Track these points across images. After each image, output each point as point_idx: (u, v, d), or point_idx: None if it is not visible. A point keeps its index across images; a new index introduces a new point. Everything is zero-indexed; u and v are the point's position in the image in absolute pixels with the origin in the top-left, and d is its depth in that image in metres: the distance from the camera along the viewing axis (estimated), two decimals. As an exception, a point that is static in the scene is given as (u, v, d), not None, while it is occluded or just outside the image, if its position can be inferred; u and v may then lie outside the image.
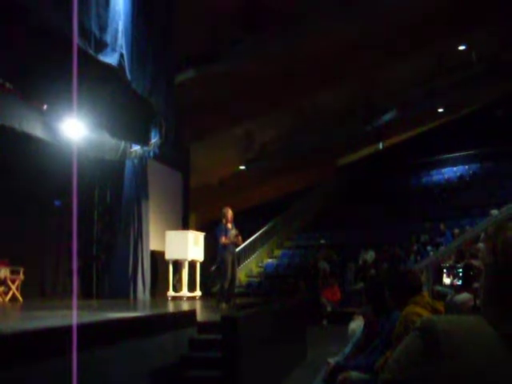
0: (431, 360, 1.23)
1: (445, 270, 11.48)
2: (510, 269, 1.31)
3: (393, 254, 19.34)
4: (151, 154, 12.84)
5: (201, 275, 13.69)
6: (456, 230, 18.36)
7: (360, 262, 19.25)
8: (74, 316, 5.86)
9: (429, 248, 19.08)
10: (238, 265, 20.32)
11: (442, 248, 17.14)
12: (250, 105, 16.64)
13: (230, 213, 10.58)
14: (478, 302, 7.12)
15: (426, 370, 1.23)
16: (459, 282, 10.34)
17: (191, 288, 13.22)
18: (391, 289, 4.22)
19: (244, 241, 22.11)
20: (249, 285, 21.49)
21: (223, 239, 10.32)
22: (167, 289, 13.09)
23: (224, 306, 10.12)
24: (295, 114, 19.89)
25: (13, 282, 10.93)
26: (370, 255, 19.21)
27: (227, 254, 10.31)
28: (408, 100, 21.10)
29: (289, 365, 9.70)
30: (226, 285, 10.29)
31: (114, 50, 9.05)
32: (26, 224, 11.62)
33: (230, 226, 10.50)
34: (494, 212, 17.51)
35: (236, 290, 12.46)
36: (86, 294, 13.11)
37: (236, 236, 10.54)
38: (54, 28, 7.79)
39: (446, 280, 11.24)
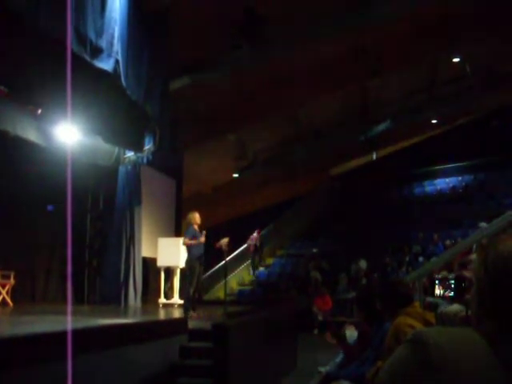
0: (422, 373, 1.23)
1: (437, 282, 11.50)
2: (503, 283, 1.31)
3: (384, 264, 19.38)
4: (145, 160, 12.85)
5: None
6: (448, 242, 18.42)
7: (352, 272, 19.26)
8: (66, 322, 5.84)
9: (420, 259, 19.13)
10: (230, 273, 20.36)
11: (434, 259, 17.17)
12: (244, 113, 16.66)
13: (197, 216, 10.51)
14: (469, 313, 7.13)
15: (416, 381, 1.23)
16: (451, 294, 10.35)
17: (182, 295, 13.18)
18: (382, 299, 4.22)
19: (236, 248, 22.17)
20: (240, 293, 21.47)
21: (186, 240, 10.20)
22: (158, 296, 13.04)
23: (193, 313, 10.00)
24: (289, 122, 19.93)
25: (3, 286, 10.88)
26: (361, 264, 19.23)
27: (193, 258, 10.11)
28: (402, 111, 21.19)
29: (279, 373, 9.68)
30: (192, 291, 10.16)
31: (109, 55, 9.07)
32: (18, 228, 11.58)
33: (197, 229, 10.43)
34: (483, 225, 17.55)
35: (228, 298, 12.42)
36: (76, 299, 13.05)
37: (227, 245, 10.48)
38: (50, 33, 7.79)
39: (438, 291, 11.24)
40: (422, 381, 1.22)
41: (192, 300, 10.24)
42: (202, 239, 10.19)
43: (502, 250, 1.35)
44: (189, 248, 10.22)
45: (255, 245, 23.07)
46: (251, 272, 23.35)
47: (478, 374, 1.21)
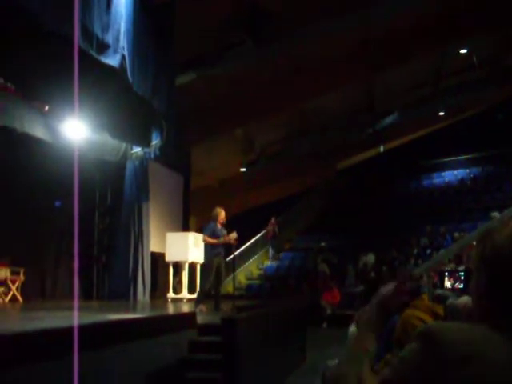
0: (435, 368, 1.22)
1: (446, 274, 11.49)
2: (505, 275, 1.30)
3: (392, 257, 19.35)
4: (152, 155, 12.85)
5: (201, 277, 13.66)
6: (456, 234, 18.37)
7: (360, 265, 19.24)
8: (75, 317, 5.87)
9: (428, 251, 19.10)
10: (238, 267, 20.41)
11: (442, 251, 17.15)
12: (250, 107, 16.65)
13: (222, 214, 10.43)
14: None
15: (429, 378, 1.22)
16: (461, 286, 10.35)
17: (191, 290, 13.21)
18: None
19: (244, 243, 22.21)
20: (249, 287, 21.50)
21: (206, 237, 10.18)
22: (167, 290, 13.09)
23: (202, 307, 9.98)
24: (296, 116, 19.89)
25: (13, 282, 10.94)
26: (369, 258, 19.20)
27: (213, 255, 10.06)
28: (409, 103, 21.12)
29: (288, 367, 9.69)
30: (207, 286, 10.08)
31: (115, 51, 9.06)
32: (27, 225, 11.63)
33: (219, 226, 10.36)
34: (495, 214, 17.46)
35: (236, 293, 12.44)
36: (86, 295, 13.11)
37: (236, 239, 10.42)
38: (56, 29, 7.79)
39: (448, 283, 11.24)
40: (433, 375, 1.21)
41: (214, 297, 10.23)
42: (227, 239, 10.15)
43: (497, 240, 1.34)
44: (207, 245, 10.22)
45: (273, 230, 23.55)
46: (271, 257, 23.88)
47: (494, 369, 1.20)
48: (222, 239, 10.10)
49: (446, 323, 1.31)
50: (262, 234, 24.26)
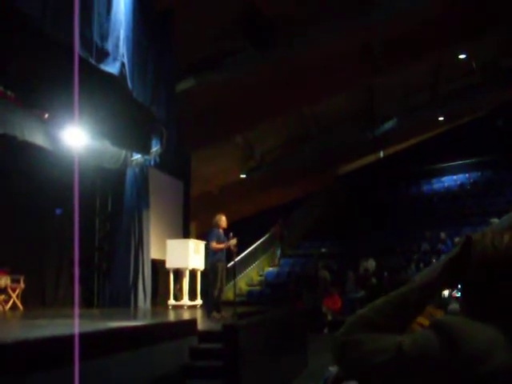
0: (450, 360, 1.23)
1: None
2: (496, 284, 1.33)
3: (393, 262, 19.34)
4: (152, 162, 12.87)
5: (201, 284, 13.64)
6: (457, 239, 18.34)
7: (361, 271, 19.23)
8: (76, 325, 5.86)
9: (428, 257, 19.11)
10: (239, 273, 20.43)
11: (443, 257, 17.16)
12: (250, 113, 16.66)
13: (223, 220, 10.54)
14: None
15: (442, 367, 1.23)
16: (458, 294, 10.28)
17: (192, 297, 13.18)
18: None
19: (245, 249, 22.20)
20: (250, 293, 21.47)
21: (214, 244, 10.25)
22: (168, 297, 13.05)
23: (216, 314, 10.04)
24: (296, 122, 19.91)
25: (13, 290, 10.92)
26: (370, 263, 19.20)
27: (217, 260, 10.20)
28: (409, 108, 21.14)
29: (290, 373, 9.67)
30: (216, 293, 10.19)
31: (115, 59, 9.08)
32: (27, 232, 11.62)
33: (221, 232, 10.47)
34: (495, 220, 17.43)
35: (237, 299, 12.42)
36: (86, 302, 13.09)
37: (235, 246, 10.47)
38: (56, 37, 7.81)
39: (445, 291, 11.19)
40: (447, 366, 1.22)
41: (216, 301, 10.27)
42: (231, 243, 10.25)
43: (483, 249, 1.38)
44: (213, 251, 10.27)
45: (281, 231, 24.08)
46: (277, 259, 24.22)
47: (499, 369, 1.21)
48: (225, 244, 10.23)
49: (459, 318, 1.33)
50: (262, 240, 24.29)
